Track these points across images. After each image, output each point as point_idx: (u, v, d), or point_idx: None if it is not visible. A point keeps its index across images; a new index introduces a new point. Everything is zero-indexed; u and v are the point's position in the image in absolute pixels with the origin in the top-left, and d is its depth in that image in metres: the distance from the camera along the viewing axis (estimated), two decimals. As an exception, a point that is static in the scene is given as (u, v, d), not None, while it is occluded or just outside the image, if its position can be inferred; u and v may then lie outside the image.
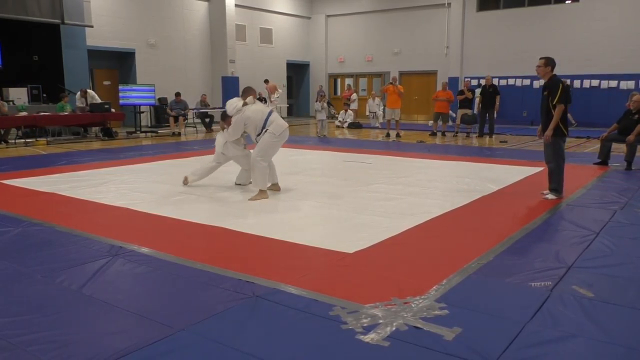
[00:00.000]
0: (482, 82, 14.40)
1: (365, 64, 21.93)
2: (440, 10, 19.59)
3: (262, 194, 6.00)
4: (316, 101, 14.35)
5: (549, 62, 5.81)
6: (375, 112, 18.00)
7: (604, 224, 4.78)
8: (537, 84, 17.14)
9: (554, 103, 5.71)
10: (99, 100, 13.78)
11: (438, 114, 14.25)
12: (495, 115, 13.85)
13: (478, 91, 14.63)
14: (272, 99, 12.68)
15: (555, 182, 5.96)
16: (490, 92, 13.60)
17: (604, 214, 5.17)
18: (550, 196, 5.94)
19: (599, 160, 8.47)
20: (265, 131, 6.01)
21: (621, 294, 3.19)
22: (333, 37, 22.79)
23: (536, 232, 4.59)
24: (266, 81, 19.56)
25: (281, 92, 19.27)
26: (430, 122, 17.51)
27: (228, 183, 6.82)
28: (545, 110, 5.86)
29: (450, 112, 14.63)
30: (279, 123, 6.11)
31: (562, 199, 5.87)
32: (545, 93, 5.85)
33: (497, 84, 14.96)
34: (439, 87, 15.17)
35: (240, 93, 6.39)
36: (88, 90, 13.90)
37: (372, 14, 21.47)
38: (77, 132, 13.77)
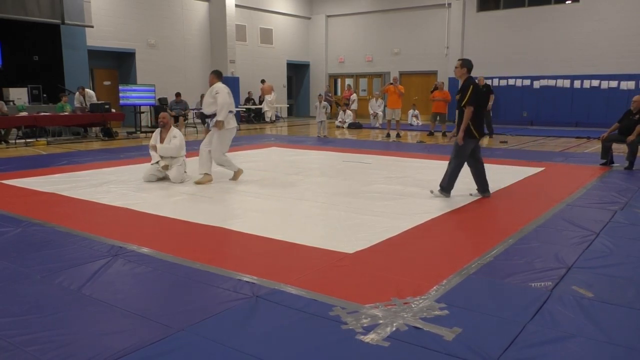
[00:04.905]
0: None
1: (365, 64, 21.94)
2: (440, 10, 19.59)
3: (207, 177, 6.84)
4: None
5: (465, 64, 5.82)
6: (376, 113, 17.99)
7: (604, 224, 4.78)
8: (537, 84, 17.17)
9: (462, 105, 5.74)
10: (95, 100, 13.78)
11: (436, 114, 14.30)
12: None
13: None
14: (268, 99, 12.67)
15: (446, 181, 5.96)
16: (485, 92, 13.61)
17: (604, 214, 5.17)
18: (437, 193, 5.98)
19: (604, 161, 8.41)
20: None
21: (621, 294, 3.19)
22: (333, 38, 22.79)
23: (536, 233, 4.58)
24: (262, 81, 19.57)
25: (274, 96, 19.25)
26: (425, 120, 17.52)
27: (228, 184, 6.82)
28: (460, 112, 5.88)
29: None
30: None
31: (489, 199, 5.81)
32: (458, 96, 5.85)
33: (496, 84, 14.94)
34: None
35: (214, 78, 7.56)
36: (86, 89, 13.91)
37: (372, 14, 21.48)
38: (77, 132, 13.77)
